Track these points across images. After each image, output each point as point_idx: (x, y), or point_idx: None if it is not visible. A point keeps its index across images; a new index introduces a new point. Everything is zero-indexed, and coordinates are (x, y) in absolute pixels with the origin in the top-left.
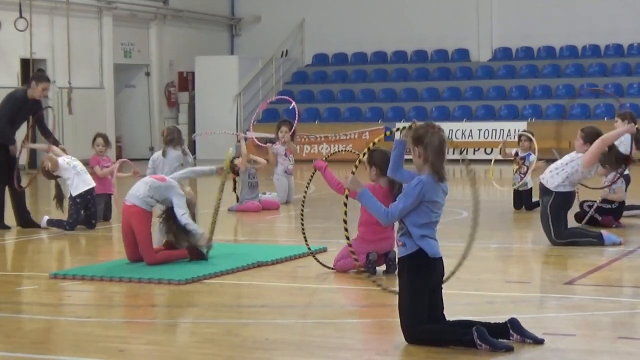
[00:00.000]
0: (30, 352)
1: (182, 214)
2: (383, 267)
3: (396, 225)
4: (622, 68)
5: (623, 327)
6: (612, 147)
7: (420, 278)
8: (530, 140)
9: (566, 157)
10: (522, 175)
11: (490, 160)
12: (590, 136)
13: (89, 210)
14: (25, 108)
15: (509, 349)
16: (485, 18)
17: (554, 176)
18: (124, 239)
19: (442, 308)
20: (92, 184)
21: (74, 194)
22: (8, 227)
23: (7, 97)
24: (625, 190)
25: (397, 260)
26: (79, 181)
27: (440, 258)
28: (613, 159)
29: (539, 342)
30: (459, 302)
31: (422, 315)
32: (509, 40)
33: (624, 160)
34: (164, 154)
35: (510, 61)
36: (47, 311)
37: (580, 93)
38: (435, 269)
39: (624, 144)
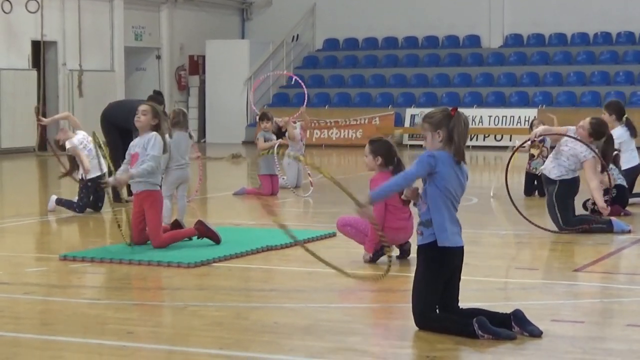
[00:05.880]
0: (40, 333)
1: (148, 158)
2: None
3: (415, 214)
4: (633, 55)
5: (632, 315)
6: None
7: (436, 267)
8: (543, 124)
9: (564, 147)
10: (544, 159)
11: (502, 147)
12: (597, 131)
13: (97, 194)
14: None
15: (512, 338)
16: (496, 4)
17: (555, 167)
18: (132, 222)
19: (457, 295)
20: (104, 169)
21: (85, 177)
22: (126, 201)
23: None
24: (634, 179)
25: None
26: (92, 166)
27: (460, 247)
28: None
29: (536, 335)
30: (470, 288)
31: (432, 303)
32: (520, 27)
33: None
34: (170, 136)
35: (521, 48)
36: (57, 293)
37: None
38: (451, 259)
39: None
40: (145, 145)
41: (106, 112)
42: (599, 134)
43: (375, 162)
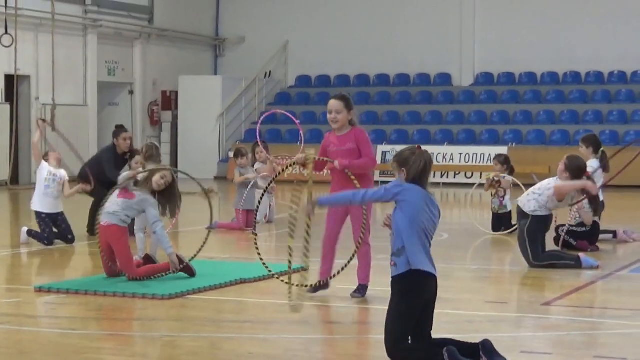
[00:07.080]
0: None
1: (156, 225)
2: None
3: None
4: (602, 95)
5: (598, 347)
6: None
7: (411, 298)
8: (502, 164)
9: (544, 182)
10: (501, 199)
11: (472, 184)
12: (572, 168)
13: (59, 227)
14: (119, 161)
15: None
16: (467, 43)
17: (530, 201)
18: (102, 256)
19: (431, 326)
20: (55, 209)
21: (33, 209)
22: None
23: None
24: (599, 215)
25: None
26: (44, 201)
27: (434, 275)
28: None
29: None
30: (439, 321)
31: (404, 333)
32: (491, 66)
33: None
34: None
35: (491, 86)
36: (32, 323)
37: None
38: (426, 286)
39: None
40: (143, 206)
41: (85, 168)
42: (575, 171)
43: (347, 118)
